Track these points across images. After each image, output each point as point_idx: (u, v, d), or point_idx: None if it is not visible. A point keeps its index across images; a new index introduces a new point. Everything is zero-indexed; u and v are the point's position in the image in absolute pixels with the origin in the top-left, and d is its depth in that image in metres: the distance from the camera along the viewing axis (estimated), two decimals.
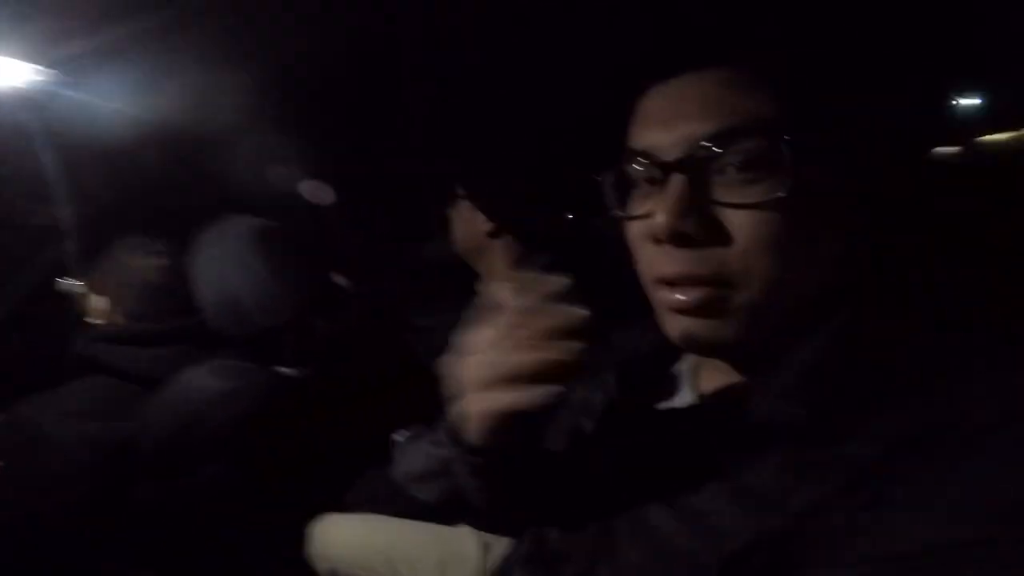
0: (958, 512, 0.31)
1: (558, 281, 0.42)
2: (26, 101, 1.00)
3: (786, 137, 0.36)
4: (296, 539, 1.01)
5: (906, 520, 0.33)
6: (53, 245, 1.24)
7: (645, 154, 0.42)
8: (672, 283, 0.41)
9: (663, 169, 0.40)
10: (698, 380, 0.51)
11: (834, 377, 0.38)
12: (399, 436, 1.03)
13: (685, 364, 0.53)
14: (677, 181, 0.39)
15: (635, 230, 0.43)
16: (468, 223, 1.02)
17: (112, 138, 1.14)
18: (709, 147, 0.38)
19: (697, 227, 0.39)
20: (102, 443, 0.91)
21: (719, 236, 0.39)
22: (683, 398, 0.51)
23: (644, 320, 0.48)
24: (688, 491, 0.42)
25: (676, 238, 0.39)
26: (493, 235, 1.00)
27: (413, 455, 0.97)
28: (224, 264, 0.91)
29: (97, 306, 1.09)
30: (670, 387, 0.53)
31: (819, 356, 0.39)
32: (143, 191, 1.24)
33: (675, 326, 0.42)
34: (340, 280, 1.16)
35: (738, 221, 0.38)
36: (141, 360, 0.99)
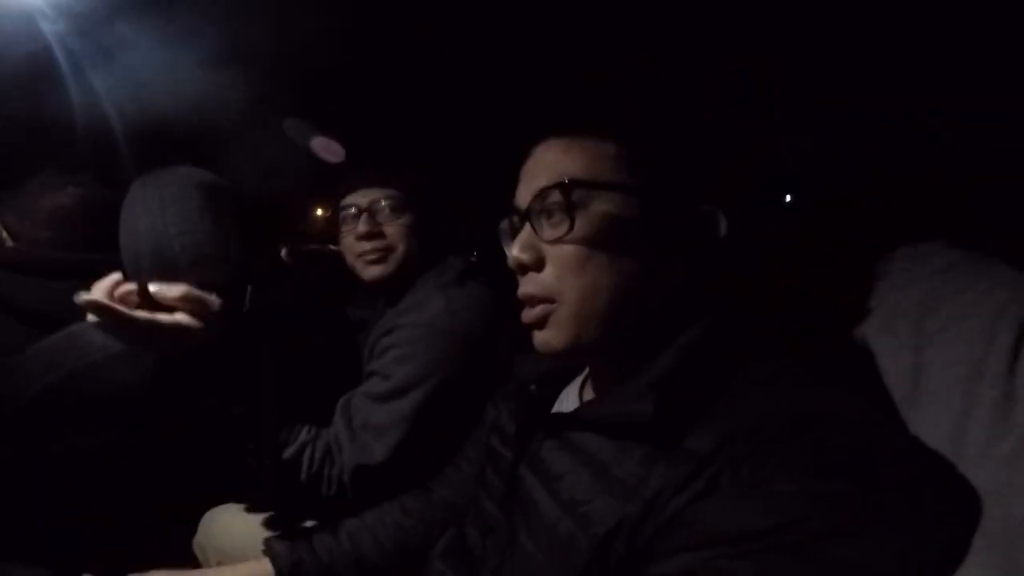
0: (767, 501, 0.38)
1: None
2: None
3: (571, 191, 0.50)
4: (181, 526, 0.93)
5: (728, 508, 0.39)
6: None
7: (514, 206, 0.56)
8: (524, 303, 0.55)
9: (519, 217, 0.55)
10: (583, 391, 0.61)
11: (677, 385, 0.46)
12: None
13: (578, 379, 0.64)
14: (524, 225, 0.54)
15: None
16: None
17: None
18: (537, 199, 0.52)
19: (530, 259, 0.53)
20: None
21: (543, 265, 0.53)
22: (569, 405, 0.60)
23: None
24: (567, 483, 0.50)
25: (518, 268, 0.54)
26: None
27: None
28: (163, 209, 0.82)
29: None
30: (564, 400, 0.64)
31: (666, 369, 0.48)
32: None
33: (534, 338, 0.55)
34: (284, 255, 1.09)
35: (552, 252, 0.52)
36: (40, 294, 0.86)
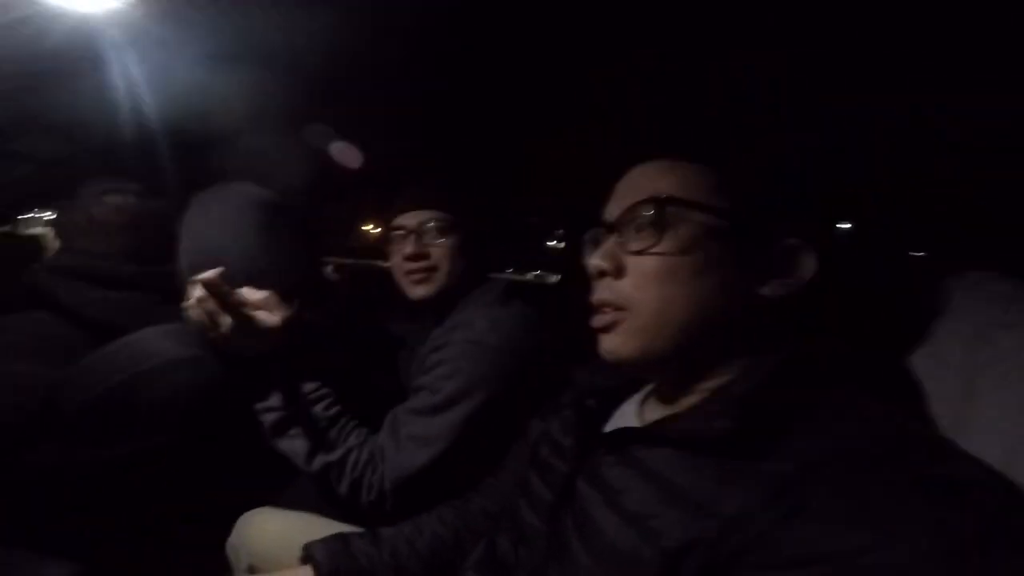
0: (854, 523, 0.38)
1: None
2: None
3: (664, 206, 0.53)
4: (215, 529, 0.95)
5: (818, 529, 0.39)
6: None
7: (603, 220, 0.59)
8: (596, 309, 0.57)
9: (606, 228, 0.58)
10: (643, 409, 0.62)
11: (762, 405, 0.47)
12: None
13: (636, 396, 0.65)
14: (609, 236, 0.57)
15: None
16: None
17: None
18: (629, 211, 0.55)
19: (610, 266, 0.55)
20: (29, 387, 0.81)
21: (623, 274, 0.55)
22: (628, 422, 0.60)
23: (602, 361, 0.60)
24: (631, 498, 0.50)
25: (597, 274, 0.57)
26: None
27: None
28: (219, 222, 0.87)
29: (55, 245, 1.03)
30: (620, 417, 0.64)
31: (752, 388, 0.49)
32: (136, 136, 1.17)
33: (601, 344, 0.57)
34: (331, 274, 1.14)
35: (634, 263, 0.54)
36: (97, 301, 0.91)
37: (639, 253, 0.54)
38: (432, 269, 1.02)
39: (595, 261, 0.56)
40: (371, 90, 1.22)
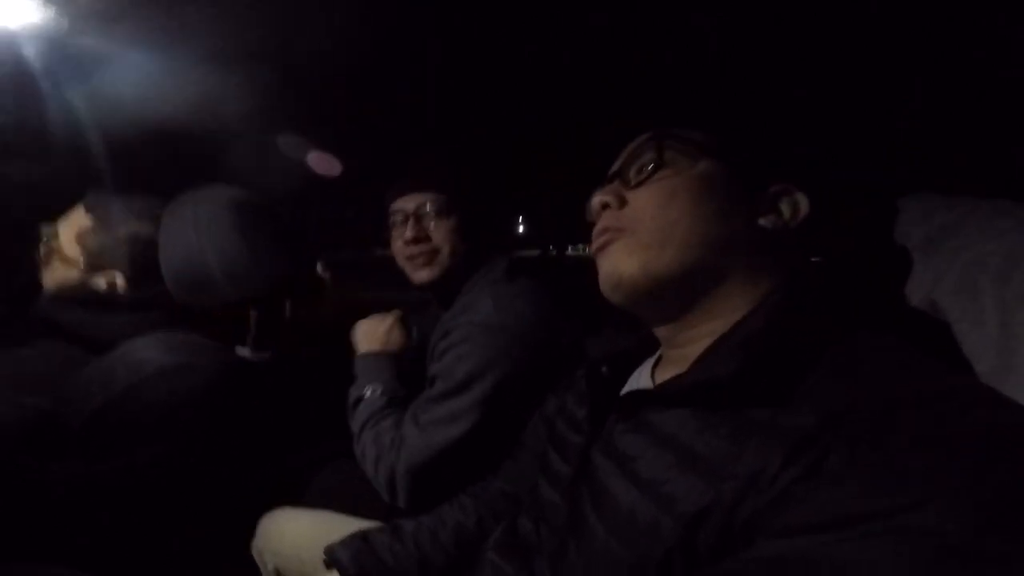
0: (888, 480, 0.34)
1: None
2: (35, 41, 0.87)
3: (664, 140, 0.56)
4: (237, 533, 0.96)
5: (845, 488, 0.35)
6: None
7: (607, 175, 0.62)
8: (597, 236, 0.58)
9: (608, 180, 0.60)
10: (657, 371, 0.60)
11: (764, 347, 0.44)
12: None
13: (650, 360, 0.62)
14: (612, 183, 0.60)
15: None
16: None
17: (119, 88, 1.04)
18: (628, 157, 0.59)
19: (613, 199, 0.57)
20: (28, 415, 0.80)
21: (625, 204, 0.57)
22: (642, 385, 0.58)
23: (614, 330, 0.62)
24: (644, 464, 0.47)
25: (600, 208, 0.58)
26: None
27: None
28: (197, 228, 0.84)
29: (67, 275, 1.02)
30: (634, 382, 0.62)
31: (751, 330, 0.47)
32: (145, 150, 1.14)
33: (600, 266, 0.57)
34: (321, 270, 1.12)
35: (635, 194, 0.56)
36: (110, 326, 0.90)
37: (640, 184, 0.56)
38: (434, 252, 1.00)
39: (598, 197, 0.58)
40: (357, 81, 1.18)
